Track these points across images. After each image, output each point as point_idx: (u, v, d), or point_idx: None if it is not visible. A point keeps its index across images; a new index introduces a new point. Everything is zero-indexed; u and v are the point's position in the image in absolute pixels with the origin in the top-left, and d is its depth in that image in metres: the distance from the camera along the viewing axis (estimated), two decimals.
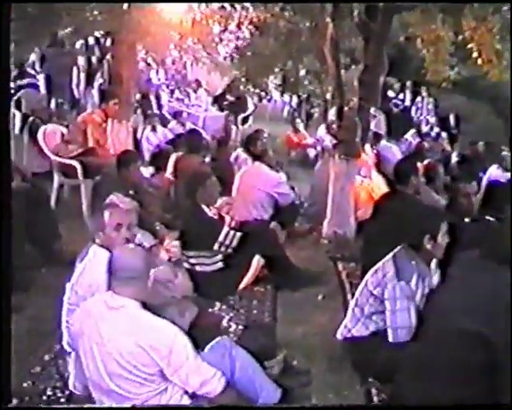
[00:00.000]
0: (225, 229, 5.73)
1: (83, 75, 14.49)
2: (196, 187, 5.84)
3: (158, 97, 15.61)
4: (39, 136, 8.38)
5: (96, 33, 15.32)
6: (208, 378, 3.39)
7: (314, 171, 9.02)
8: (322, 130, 13.67)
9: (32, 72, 13.87)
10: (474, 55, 9.11)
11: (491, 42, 8.85)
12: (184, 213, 6.03)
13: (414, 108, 17.05)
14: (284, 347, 4.55)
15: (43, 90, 13.44)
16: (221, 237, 5.68)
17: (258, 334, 4.88)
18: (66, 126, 8.88)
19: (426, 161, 8.20)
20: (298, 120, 15.30)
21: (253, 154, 7.35)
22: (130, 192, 5.71)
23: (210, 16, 12.34)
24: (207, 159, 8.30)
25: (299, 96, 18.16)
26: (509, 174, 8.62)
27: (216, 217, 5.88)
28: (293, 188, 7.79)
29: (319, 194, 7.95)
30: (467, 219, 5.13)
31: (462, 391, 2.98)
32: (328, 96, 14.86)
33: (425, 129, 16.16)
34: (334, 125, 9.93)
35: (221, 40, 14.05)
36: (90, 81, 14.57)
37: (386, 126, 14.08)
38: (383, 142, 9.93)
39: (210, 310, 5.04)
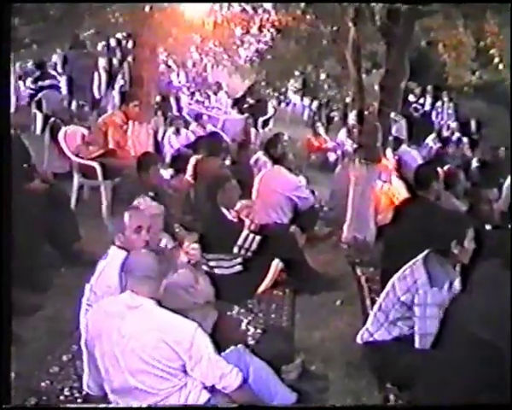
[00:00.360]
0: (245, 232, 5.72)
1: (104, 77, 14.55)
2: (216, 190, 5.82)
3: (178, 100, 15.68)
4: (60, 137, 8.40)
5: (118, 35, 15.36)
6: (227, 372, 3.42)
7: (334, 175, 9.00)
8: (342, 134, 13.68)
9: (54, 73, 13.94)
10: (496, 60, 9.07)
11: None
12: (204, 216, 6.02)
13: (434, 113, 16.93)
14: (302, 351, 4.53)
15: (64, 91, 13.52)
16: (240, 241, 5.67)
17: (276, 338, 4.85)
18: (87, 128, 8.92)
19: (446, 167, 8.15)
20: (318, 124, 15.30)
21: (273, 157, 7.32)
22: (150, 194, 5.72)
23: (232, 19, 12.39)
24: (227, 162, 8.30)
25: (318, 100, 18.09)
26: None
27: (235, 220, 5.87)
28: (312, 192, 7.74)
29: (339, 198, 7.92)
30: (488, 227, 5.09)
31: (474, 400, 2.97)
32: (348, 100, 14.88)
33: (446, 134, 16.07)
34: (355, 130, 9.90)
35: (242, 43, 14.08)
36: (111, 83, 14.62)
37: (406, 131, 13.99)
38: (404, 146, 9.84)
39: (228, 313, 5.01)
